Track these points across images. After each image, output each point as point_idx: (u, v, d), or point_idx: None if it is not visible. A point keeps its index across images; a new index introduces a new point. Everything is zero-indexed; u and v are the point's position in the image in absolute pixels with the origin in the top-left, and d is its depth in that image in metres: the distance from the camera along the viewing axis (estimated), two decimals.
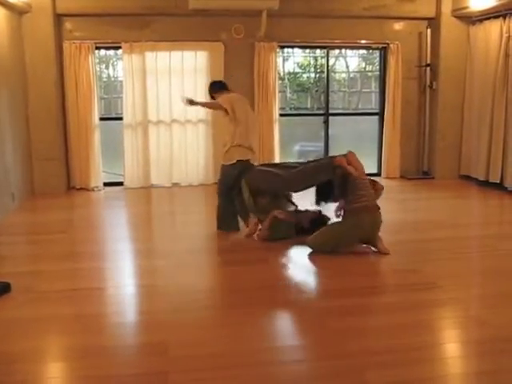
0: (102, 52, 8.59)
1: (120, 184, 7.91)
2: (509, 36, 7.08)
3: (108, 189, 7.81)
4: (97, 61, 8.11)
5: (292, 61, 9.85)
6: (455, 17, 7.88)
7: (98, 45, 7.61)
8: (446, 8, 7.86)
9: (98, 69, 8.31)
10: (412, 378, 2.71)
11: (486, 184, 7.55)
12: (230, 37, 7.70)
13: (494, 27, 7.36)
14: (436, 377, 2.75)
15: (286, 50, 8.94)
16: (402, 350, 2.98)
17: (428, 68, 8.19)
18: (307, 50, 9.36)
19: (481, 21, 7.64)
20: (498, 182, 7.36)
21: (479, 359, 2.92)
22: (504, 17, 7.13)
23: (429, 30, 8.10)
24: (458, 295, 3.79)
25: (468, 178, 8.03)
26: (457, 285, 3.99)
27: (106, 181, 7.95)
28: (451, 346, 3.19)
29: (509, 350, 2.97)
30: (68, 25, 7.42)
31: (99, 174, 7.79)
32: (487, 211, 6.82)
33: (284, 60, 9.42)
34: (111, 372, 2.79)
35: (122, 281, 4.26)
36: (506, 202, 6.99)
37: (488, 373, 2.76)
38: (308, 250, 4.76)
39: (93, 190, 7.65)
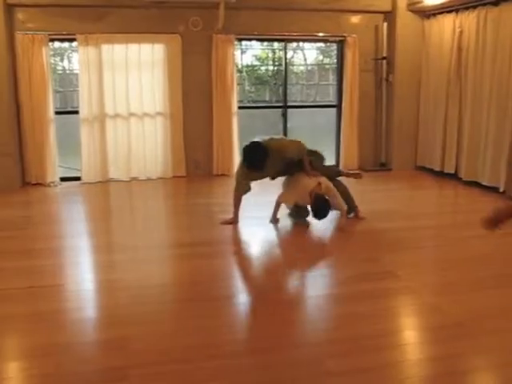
0: (57, 44, 8.40)
1: (77, 179, 7.75)
2: (461, 30, 7.24)
3: (65, 184, 7.65)
4: (51, 53, 7.92)
5: (250, 53, 9.86)
6: (410, 11, 8.00)
7: (52, 36, 7.40)
8: (402, 2, 7.97)
9: (52, 61, 8.14)
10: (370, 365, 2.77)
11: (441, 174, 7.73)
12: (188, 29, 7.65)
13: (447, 22, 7.51)
14: (393, 363, 2.82)
15: (243, 42, 8.92)
16: (360, 338, 3.05)
17: (384, 61, 8.30)
18: (265, 43, 9.38)
19: (435, 15, 7.79)
20: (453, 172, 7.54)
21: (434, 345, 3.01)
22: (457, 11, 7.28)
23: (385, 24, 8.21)
24: (415, 284, 3.89)
25: (424, 168, 8.20)
26: (414, 274, 4.08)
27: (63, 175, 7.79)
28: (407, 333, 3.28)
29: (462, 335, 3.07)
30: (20, 15, 7.21)
31: (55, 168, 7.61)
32: (443, 201, 6.99)
33: (242, 53, 9.41)
34: (71, 369, 2.76)
35: (81, 276, 4.19)
36: (460, 192, 7.17)
37: (442, 358, 2.85)
38: (272, 242, 4.82)
39: (49, 186, 7.48)
